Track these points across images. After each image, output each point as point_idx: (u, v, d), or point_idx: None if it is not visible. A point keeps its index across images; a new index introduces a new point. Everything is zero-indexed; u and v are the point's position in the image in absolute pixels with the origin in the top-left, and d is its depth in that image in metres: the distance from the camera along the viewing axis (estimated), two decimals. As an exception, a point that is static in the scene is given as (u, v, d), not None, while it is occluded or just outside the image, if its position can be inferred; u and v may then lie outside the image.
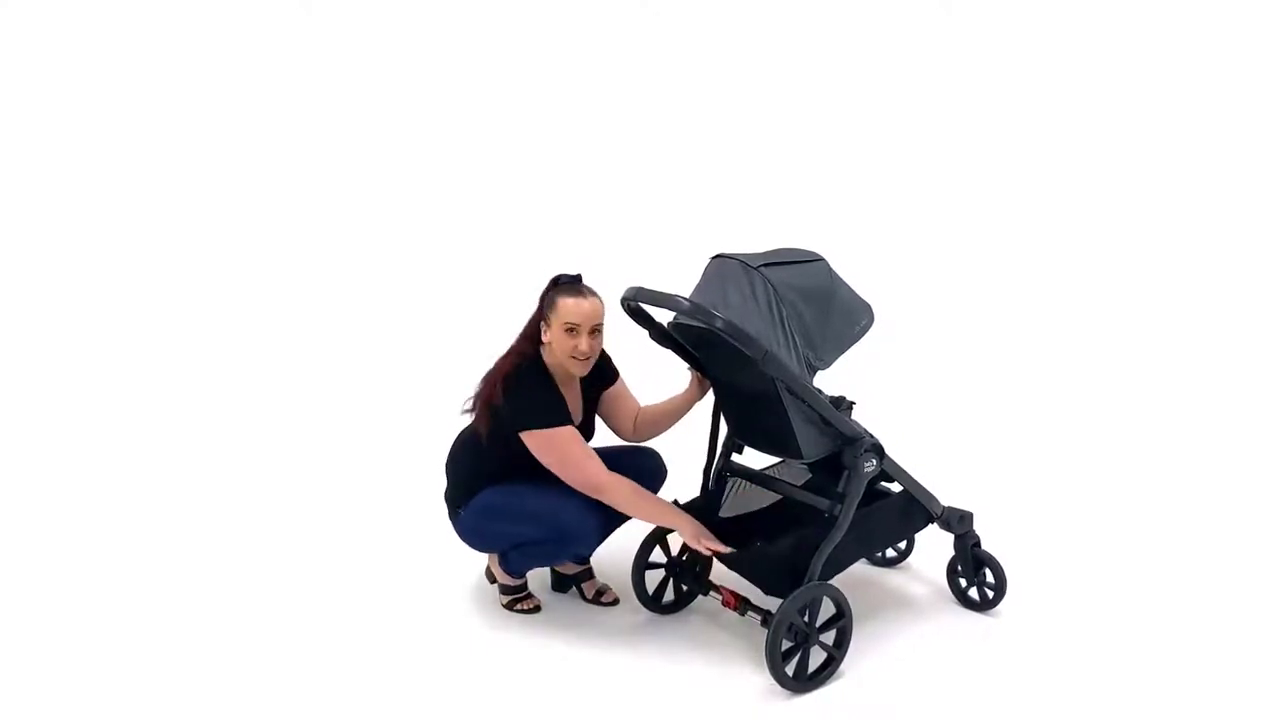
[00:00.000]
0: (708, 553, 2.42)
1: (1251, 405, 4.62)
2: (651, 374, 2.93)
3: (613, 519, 2.67)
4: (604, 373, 2.73)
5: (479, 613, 2.80)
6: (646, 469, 2.74)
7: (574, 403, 2.64)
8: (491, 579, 2.86)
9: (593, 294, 2.54)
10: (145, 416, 4.62)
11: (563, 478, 2.47)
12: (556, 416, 2.48)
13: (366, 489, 3.81)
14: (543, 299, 2.56)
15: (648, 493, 2.51)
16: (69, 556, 3.19)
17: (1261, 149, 5.08)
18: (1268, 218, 5.08)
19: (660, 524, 2.58)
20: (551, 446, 2.46)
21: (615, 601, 2.85)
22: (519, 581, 2.79)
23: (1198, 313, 5.07)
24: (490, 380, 2.56)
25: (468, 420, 2.67)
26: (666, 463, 2.82)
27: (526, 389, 2.50)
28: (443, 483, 2.78)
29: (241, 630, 2.69)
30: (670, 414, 2.76)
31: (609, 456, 2.60)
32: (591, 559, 2.90)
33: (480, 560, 2.95)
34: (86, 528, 3.43)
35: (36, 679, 2.44)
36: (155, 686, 2.41)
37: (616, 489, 2.45)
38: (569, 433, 2.48)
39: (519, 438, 2.48)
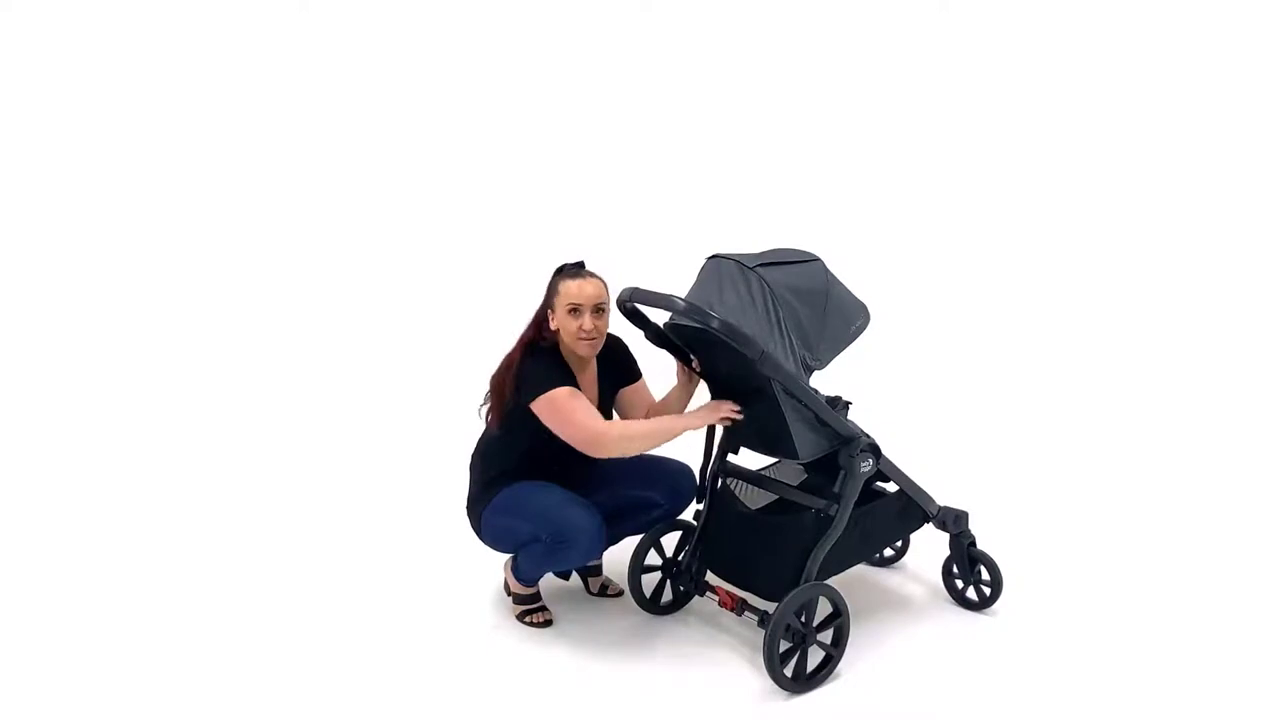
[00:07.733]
0: (730, 418, 2.44)
1: (1248, 403, 4.62)
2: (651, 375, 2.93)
3: (616, 527, 2.68)
4: (626, 369, 2.73)
5: (479, 613, 2.80)
6: (674, 488, 2.72)
7: (588, 391, 2.63)
8: (509, 591, 2.83)
9: (595, 276, 2.54)
10: (164, 423, 4.60)
11: (566, 439, 2.44)
12: (557, 381, 2.45)
13: (372, 494, 3.80)
14: (548, 289, 2.56)
15: (645, 423, 2.48)
16: (82, 561, 3.18)
17: (1259, 142, 5.09)
18: (1266, 215, 5.09)
19: (677, 435, 2.45)
20: (554, 408, 2.43)
21: (620, 593, 2.87)
22: (532, 590, 2.76)
23: (1194, 311, 5.08)
24: (500, 370, 2.57)
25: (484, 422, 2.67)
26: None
27: (533, 365, 2.50)
28: (456, 488, 2.77)
29: (256, 635, 2.68)
30: (670, 408, 2.69)
31: (642, 464, 2.67)
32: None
33: (488, 566, 2.94)
34: (105, 532, 3.42)
35: (47, 683, 2.44)
36: (170, 690, 2.40)
37: (615, 434, 2.41)
38: (566, 391, 2.44)
39: (531, 429, 2.48)
